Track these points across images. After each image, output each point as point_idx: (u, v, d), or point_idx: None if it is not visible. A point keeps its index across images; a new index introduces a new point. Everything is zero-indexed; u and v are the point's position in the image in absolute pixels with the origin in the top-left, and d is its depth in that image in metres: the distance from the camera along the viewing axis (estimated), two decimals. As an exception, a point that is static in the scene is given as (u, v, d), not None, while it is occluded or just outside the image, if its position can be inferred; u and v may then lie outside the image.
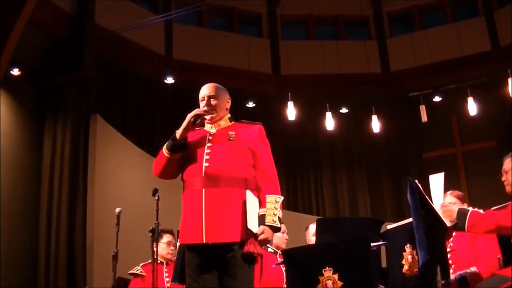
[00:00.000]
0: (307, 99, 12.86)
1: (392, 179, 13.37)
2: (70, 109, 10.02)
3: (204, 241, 4.05)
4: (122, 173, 10.37)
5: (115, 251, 6.59)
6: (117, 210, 6.68)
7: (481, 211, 4.67)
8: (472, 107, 11.78)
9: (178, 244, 6.33)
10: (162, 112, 11.87)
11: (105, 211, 9.19)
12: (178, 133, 4.21)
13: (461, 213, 4.60)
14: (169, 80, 11.22)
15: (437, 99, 12.25)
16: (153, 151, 10.92)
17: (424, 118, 11.94)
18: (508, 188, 4.85)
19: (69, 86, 10.10)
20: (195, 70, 12.33)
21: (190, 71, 12.19)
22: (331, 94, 12.92)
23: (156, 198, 6.11)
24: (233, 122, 4.50)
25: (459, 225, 4.64)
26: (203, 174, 4.16)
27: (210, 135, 4.34)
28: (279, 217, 4.21)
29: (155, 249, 6.10)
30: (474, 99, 11.80)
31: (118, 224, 6.66)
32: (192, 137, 4.31)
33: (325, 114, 12.32)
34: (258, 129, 4.48)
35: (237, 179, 4.20)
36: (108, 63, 11.00)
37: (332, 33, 14.45)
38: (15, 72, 9.34)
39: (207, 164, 4.18)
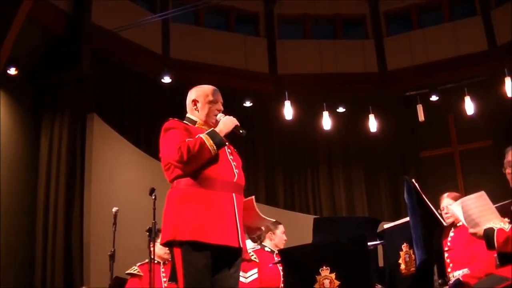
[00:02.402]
0: (304, 98, 12.85)
1: (389, 178, 13.38)
2: (67, 108, 10.02)
3: (240, 245, 4.13)
4: (119, 172, 10.36)
5: (112, 250, 6.58)
6: (114, 209, 6.68)
7: (506, 226, 4.61)
8: (469, 106, 11.77)
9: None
10: (159, 110, 11.85)
11: (102, 210, 9.19)
12: (222, 132, 4.21)
13: (487, 235, 4.57)
14: (166, 79, 11.19)
15: (434, 98, 12.24)
16: (150, 150, 10.92)
17: (421, 117, 11.94)
18: None
19: (66, 84, 10.10)
20: (192, 69, 12.32)
21: (187, 70, 12.17)
22: (328, 93, 12.92)
23: (153, 197, 6.11)
24: None
25: (488, 247, 4.62)
26: (234, 180, 4.23)
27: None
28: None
29: (152, 249, 6.10)
30: (471, 98, 11.80)
31: (115, 223, 6.66)
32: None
33: (322, 113, 12.31)
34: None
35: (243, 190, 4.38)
36: (105, 61, 10.99)
37: (329, 32, 14.44)
38: (12, 71, 9.32)
39: (237, 171, 4.27)
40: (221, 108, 4.41)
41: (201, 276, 4.00)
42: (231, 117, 4.31)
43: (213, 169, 4.17)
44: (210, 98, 4.42)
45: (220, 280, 4.10)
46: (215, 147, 4.10)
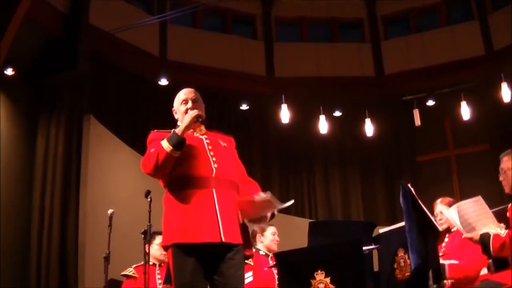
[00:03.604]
0: (301, 101, 12.84)
1: (386, 182, 13.38)
2: (63, 109, 9.99)
3: (223, 240, 4.03)
4: (115, 173, 10.35)
5: (107, 252, 6.58)
6: (110, 211, 6.67)
7: (502, 231, 4.62)
8: (466, 111, 11.77)
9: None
10: (155, 112, 11.84)
11: (98, 211, 9.17)
12: (180, 130, 4.14)
13: (483, 239, 4.58)
14: (163, 81, 11.19)
15: (430, 102, 12.24)
16: (147, 149, 10.91)
17: (418, 122, 11.91)
18: (507, 188, 4.83)
19: (62, 85, 10.08)
20: (189, 71, 12.32)
21: (184, 72, 12.17)
22: (325, 96, 12.90)
23: (149, 200, 6.11)
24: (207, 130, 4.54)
25: (484, 252, 4.63)
26: (213, 175, 4.18)
27: (206, 138, 4.38)
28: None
29: (147, 250, 6.09)
30: (468, 103, 11.80)
31: (110, 225, 6.65)
32: (186, 138, 4.26)
33: (319, 117, 12.30)
34: (233, 140, 4.61)
35: (235, 184, 4.31)
36: (102, 63, 10.98)
37: (326, 35, 14.45)
38: (9, 71, 9.32)
39: (216, 166, 4.21)
40: (190, 105, 4.40)
41: (191, 279, 4.01)
42: (192, 111, 4.28)
43: (189, 168, 4.19)
44: (181, 100, 4.48)
45: (222, 280, 4.07)
46: (172, 148, 4.08)
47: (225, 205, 4.13)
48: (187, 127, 4.18)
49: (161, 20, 11.99)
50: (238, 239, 4.15)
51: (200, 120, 4.26)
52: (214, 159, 4.25)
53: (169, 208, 4.20)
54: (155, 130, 4.39)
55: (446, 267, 5.64)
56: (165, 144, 4.10)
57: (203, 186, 4.15)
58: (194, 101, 4.43)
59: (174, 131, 4.17)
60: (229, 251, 4.09)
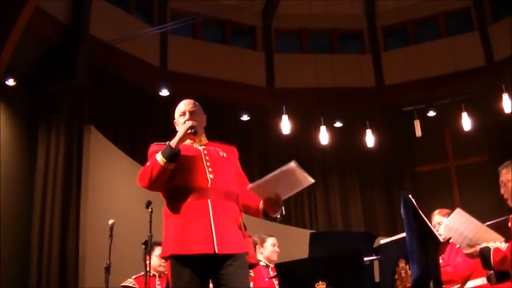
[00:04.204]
0: (301, 112, 12.86)
1: (385, 192, 13.37)
2: (63, 118, 10.00)
3: (216, 251, 4.01)
4: (115, 183, 10.34)
5: (108, 263, 6.56)
6: (110, 222, 6.66)
7: (502, 245, 4.62)
8: (466, 122, 11.75)
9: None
10: (155, 123, 11.85)
11: (98, 222, 9.15)
12: (174, 142, 4.16)
13: (483, 254, 4.58)
14: (164, 92, 11.18)
15: (431, 113, 12.22)
16: (146, 161, 10.91)
17: (419, 133, 11.87)
18: (510, 201, 4.81)
19: (62, 95, 10.09)
20: (189, 82, 12.34)
21: (184, 83, 12.18)
22: (325, 107, 12.89)
23: (150, 210, 6.10)
24: (208, 141, 4.53)
25: (484, 266, 4.64)
26: (208, 185, 4.17)
27: (204, 149, 4.38)
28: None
29: (148, 261, 6.08)
30: (468, 114, 11.79)
31: (111, 236, 6.64)
32: (182, 149, 4.27)
33: (319, 128, 12.28)
34: (236, 150, 4.59)
35: (234, 194, 4.29)
36: (102, 73, 11.00)
37: (326, 46, 14.49)
38: (10, 82, 9.32)
39: (212, 176, 4.20)
40: (187, 117, 4.41)
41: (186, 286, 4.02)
42: (187, 123, 4.30)
43: (185, 179, 4.21)
44: (180, 112, 4.50)
45: (224, 281, 4.05)
46: (165, 161, 4.11)
47: (220, 216, 4.12)
48: (180, 139, 4.19)
49: (161, 30, 12.01)
50: (235, 249, 4.11)
51: (193, 131, 4.25)
52: (210, 169, 4.24)
53: (167, 219, 4.22)
54: (155, 143, 4.42)
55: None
56: (159, 157, 4.14)
57: (199, 197, 4.15)
58: (191, 113, 4.44)
59: (168, 143, 4.19)
60: (227, 260, 4.07)
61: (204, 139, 4.48)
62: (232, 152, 4.53)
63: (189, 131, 4.23)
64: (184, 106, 4.50)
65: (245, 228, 4.30)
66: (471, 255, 4.76)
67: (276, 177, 4.14)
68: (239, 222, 4.23)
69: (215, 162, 4.31)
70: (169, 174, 4.18)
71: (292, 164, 4.12)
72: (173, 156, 4.12)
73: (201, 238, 4.04)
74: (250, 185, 4.22)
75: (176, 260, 4.07)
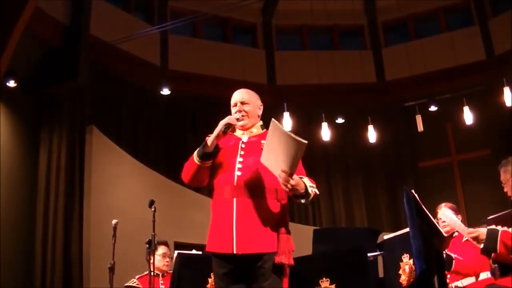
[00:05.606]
0: (302, 109, 12.86)
1: (388, 188, 13.37)
2: (65, 120, 9.99)
3: (234, 252, 3.96)
4: (118, 183, 10.34)
5: (112, 263, 6.55)
6: (114, 222, 6.64)
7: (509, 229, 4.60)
8: (468, 116, 11.74)
9: (174, 255, 6.33)
10: (157, 122, 11.85)
11: (101, 222, 9.16)
12: (210, 140, 4.09)
13: (490, 235, 4.54)
14: (165, 91, 11.17)
15: (432, 108, 12.20)
16: (148, 161, 10.91)
17: (420, 128, 11.87)
18: None
19: (63, 96, 10.08)
20: (190, 80, 12.33)
21: (185, 81, 12.18)
22: (326, 104, 12.90)
23: (153, 209, 6.09)
24: (265, 129, 4.38)
25: (489, 247, 4.58)
26: (234, 183, 4.07)
27: (243, 143, 4.26)
28: (315, 191, 4.30)
29: (151, 261, 6.07)
30: (470, 108, 11.77)
31: (114, 236, 6.63)
32: (223, 143, 4.21)
33: (321, 124, 12.26)
34: None
35: (269, 189, 4.12)
36: (103, 73, 10.99)
37: (327, 43, 14.48)
38: (11, 83, 9.31)
39: (239, 173, 4.09)
40: (239, 109, 4.32)
41: (221, 285, 4.02)
42: (224, 119, 4.16)
43: (215, 177, 4.18)
44: (232, 103, 4.40)
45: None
46: (198, 159, 4.08)
47: (245, 215, 4.02)
48: (216, 137, 4.11)
49: (161, 30, 12.00)
50: (257, 249, 3.98)
51: (228, 130, 4.13)
52: (240, 166, 4.12)
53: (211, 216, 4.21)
54: (209, 135, 4.20)
55: (454, 260, 5.70)
56: (195, 155, 4.11)
57: (225, 195, 4.09)
58: (244, 103, 4.36)
59: (206, 140, 4.13)
60: (258, 261, 3.99)
61: (256, 130, 4.39)
62: None
63: (225, 129, 4.10)
64: (235, 96, 4.40)
65: (285, 223, 4.18)
66: (476, 240, 4.74)
67: (270, 142, 3.96)
68: (271, 218, 4.09)
69: (250, 157, 4.17)
70: (209, 170, 4.16)
71: (273, 120, 3.98)
72: (205, 155, 4.09)
73: (222, 237, 4.02)
74: (261, 158, 4.03)
75: (214, 257, 4.09)
